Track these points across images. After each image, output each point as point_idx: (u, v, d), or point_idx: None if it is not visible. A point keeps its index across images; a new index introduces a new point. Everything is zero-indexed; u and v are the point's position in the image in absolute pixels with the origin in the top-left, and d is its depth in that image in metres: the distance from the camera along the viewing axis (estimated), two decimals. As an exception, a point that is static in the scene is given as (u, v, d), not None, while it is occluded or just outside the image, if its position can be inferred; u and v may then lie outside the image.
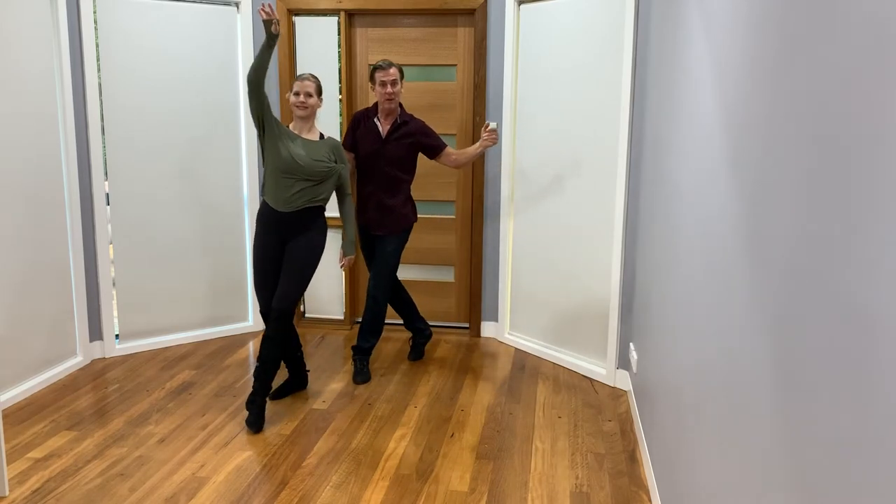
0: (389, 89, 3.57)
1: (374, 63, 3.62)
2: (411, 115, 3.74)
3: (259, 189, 3.23)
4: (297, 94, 3.25)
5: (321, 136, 3.35)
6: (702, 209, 2.01)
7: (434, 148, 3.73)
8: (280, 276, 3.26)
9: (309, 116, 3.30)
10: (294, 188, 3.22)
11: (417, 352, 4.10)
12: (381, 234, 3.75)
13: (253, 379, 3.30)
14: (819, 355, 1.07)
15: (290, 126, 3.33)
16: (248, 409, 3.27)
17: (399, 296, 4.01)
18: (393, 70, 3.56)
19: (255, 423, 3.20)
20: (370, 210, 3.74)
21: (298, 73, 3.24)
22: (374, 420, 3.32)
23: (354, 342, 4.22)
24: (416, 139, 3.70)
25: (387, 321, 4.67)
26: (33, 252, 3.57)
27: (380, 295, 3.76)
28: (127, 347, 4.13)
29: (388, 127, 3.67)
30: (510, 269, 4.34)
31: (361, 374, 3.77)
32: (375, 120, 3.69)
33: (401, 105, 3.71)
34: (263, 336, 3.26)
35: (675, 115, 2.57)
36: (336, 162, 3.33)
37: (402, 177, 3.73)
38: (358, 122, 3.74)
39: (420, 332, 4.10)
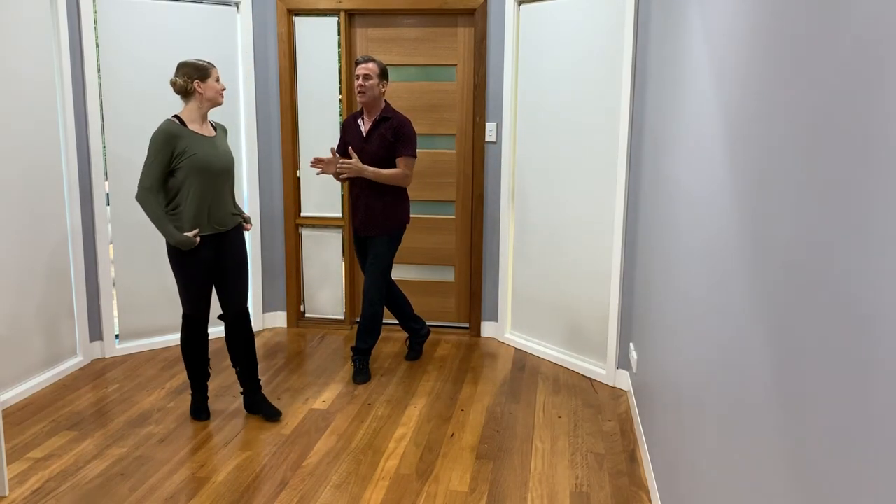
0: (361, 82, 3.53)
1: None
2: (396, 113, 3.65)
3: (189, 222, 3.08)
4: (218, 80, 3.08)
5: (212, 125, 3.17)
6: (702, 209, 2.01)
7: (395, 150, 3.62)
8: (226, 281, 3.19)
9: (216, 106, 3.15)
10: (223, 193, 3.11)
11: (416, 351, 4.09)
12: (372, 236, 3.72)
13: (251, 380, 3.32)
14: (819, 355, 1.07)
15: (188, 121, 3.05)
16: (251, 410, 3.34)
17: (392, 295, 3.99)
18: (370, 65, 3.53)
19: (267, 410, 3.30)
20: (359, 212, 3.71)
21: (213, 64, 3.11)
22: (374, 420, 3.32)
23: (353, 343, 4.22)
24: (393, 134, 3.60)
25: (386, 321, 4.68)
26: (33, 252, 3.57)
27: (375, 296, 3.73)
28: (127, 347, 4.13)
29: (370, 124, 3.63)
30: (510, 268, 4.34)
31: (361, 374, 3.77)
32: (359, 120, 3.68)
33: (387, 103, 3.67)
34: (237, 339, 3.24)
35: (675, 115, 2.57)
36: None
37: None
38: (346, 128, 3.74)
39: (416, 332, 4.09)
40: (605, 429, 3.26)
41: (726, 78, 1.78)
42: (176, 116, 3.04)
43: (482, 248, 4.39)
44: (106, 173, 3.96)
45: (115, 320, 4.12)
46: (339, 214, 4.53)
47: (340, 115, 4.42)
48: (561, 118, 3.88)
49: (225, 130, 3.23)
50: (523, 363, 4.07)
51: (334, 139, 4.44)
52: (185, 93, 3.04)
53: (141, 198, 2.96)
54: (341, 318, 4.66)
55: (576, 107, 3.80)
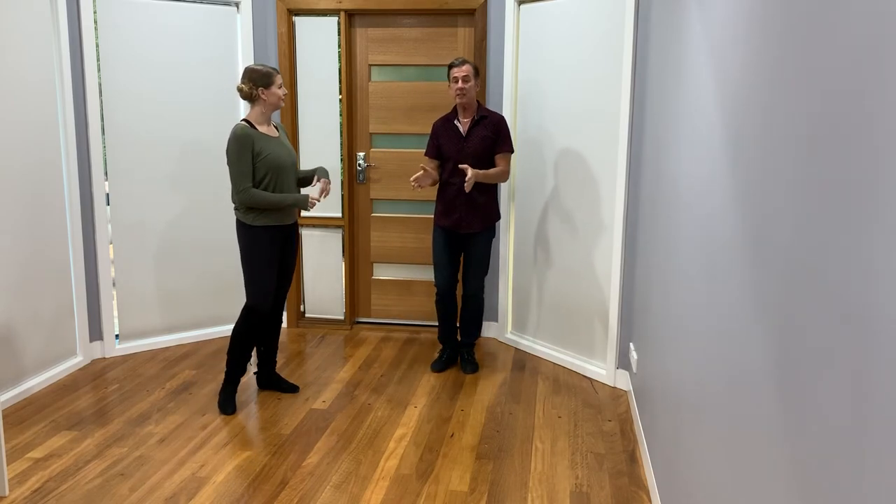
0: (461, 84, 3.62)
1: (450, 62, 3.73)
2: (490, 111, 3.75)
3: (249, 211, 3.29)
4: (280, 86, 3.28)
5: (275, 126, 3.39)
6: (702, 209, 2.01)
7: (496, 147, 3.72)
8: (281, 271, 3.50)
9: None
10: (292, 186, 3.37)
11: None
12: (473, 232, 3.78)
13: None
14: (819, 355, 1.07)
15: (256, 124, 3.26)
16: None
17: (455, 303, 3.96)
18: (466, 67, 3.62)
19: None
20: (460, 209, 3.75)
21: (276, 70, 3.33)
22: (374, 420, 3.32)
23: (458, 338, 4.06)
24: (493, 131, 3.71)
25: (388, 321, 4.68)
26: (33, 252, 3.57)
27: (481, 290, 3.89)
28: (127, 347, 4.13)
29: (468, 124, 3.71)
30: (510, 269, 4.34)
31: (471, 365, 3.91)
32: (455, 121, 3.74)
33: (479, 103, 3.75)
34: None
35: (675, 115, 2.57)
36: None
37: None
38: (438, 129, 3.77)
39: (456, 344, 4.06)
40: (605, 429, 3.26)
41: (726, 78, 1.78)
42: (245, 120, 3.24)
43: (482, 248, 4.39)
44: (106, 173, 3.96)
45: (115, 320, 4.12)
46: (339, 214, 4.53)
47: (340, 114, 4.42)
48: (561, 118, 3.88)
49: (283, 129, 3.48)
50: (523, 363, 4.06)
51: (334, 139, 4.44)
52: (250, 98, 3.24)
53: (245, 198, 3.19)
54: (341, 318, 4.66)
55: (576, 106, 3.80)
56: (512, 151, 3.75)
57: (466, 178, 3.51)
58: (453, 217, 3.77)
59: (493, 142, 3.70)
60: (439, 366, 3.95)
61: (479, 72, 3.71)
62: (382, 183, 4.53)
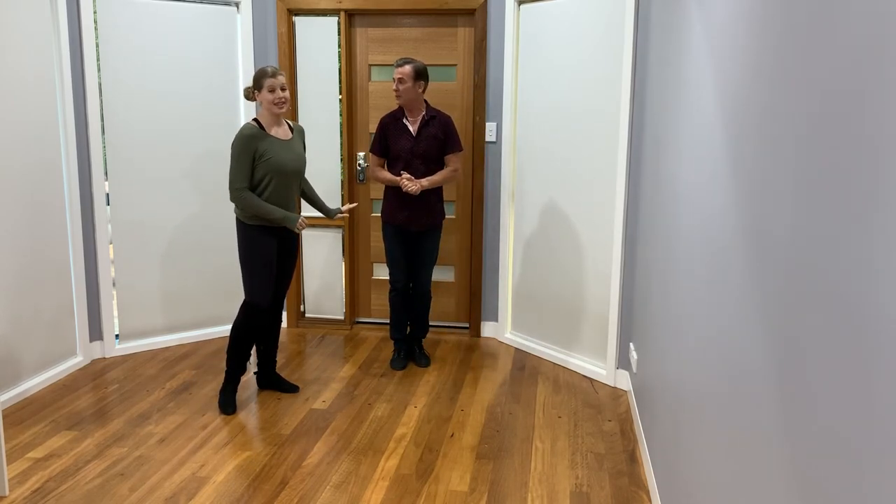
0: (395, 86, 3.65)
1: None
2: (437, 110, 3.77)
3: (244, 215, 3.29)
4: (272, 90, 3.19)
5: (289, 126, 3.38)
6: (702, 208, 2.01)
7: (446, 148, 3.77)
8: (279, 271, 3.50)
9: (287, 111, 3.37)
10: (293, 192, 3.36)
11: (426, 357, 4.07)
12: (424, 231, 3.83)
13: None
14: (819, 355, 1.07)
15: (265, 125, 3.25)
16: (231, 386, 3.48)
17: (410, 304, 4.03)
18: (405, 68, 3.62)
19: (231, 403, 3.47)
20: (413, 209, 3.76)
21: (271, 69, 3.23)
22: (374, 420, 3.32)
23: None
24: (442, 131, 3.75)
25: (388, 321, 4.68)
26: (33, 252, 3.57)
27: (430, 290, 3.99)
28: (127, 347, 4.13)
29: (418, 124, 3.72)
30: (510, 269, 4.34)
31: (425, 358, 4.01)
32: (405, 120, 3.74)
33: (426, 102, 3.77)
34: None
35: (675, 115, 2.57)
36: (304, 148, 3.46)
37: (437, 171, 3.80)
38: (386, 126, 3.77)
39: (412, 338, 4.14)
40: (605, 429, 3.26)
41: (726, 77, 1.78)
42: (255, 119, 3.25)
43: (482, 248, 4.39)
44: (106, 173, 3.96)
45: (115, 320, 4.12)
46: (339, 214, 4.53)
47: (340, 114, 4.42)
48: (561, 118, 3.88)
49: (301, 132, 3.44)
50: (523, 363, 4.06)
51: (334, 139, 4.44)
52: (252, 100, 3.29)
53: (237, 198, 3.20)
54: (341, 318, 4.66)
55: (576, 106, 3.80)
56: (462, 150, 3.80)
57: (409, 188, 3.59)
58: (404, 215, 3.79)
59: (443, 142, 3.74)
60: (401, 364, 3.98)
61: (425, 75, 3.66)
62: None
